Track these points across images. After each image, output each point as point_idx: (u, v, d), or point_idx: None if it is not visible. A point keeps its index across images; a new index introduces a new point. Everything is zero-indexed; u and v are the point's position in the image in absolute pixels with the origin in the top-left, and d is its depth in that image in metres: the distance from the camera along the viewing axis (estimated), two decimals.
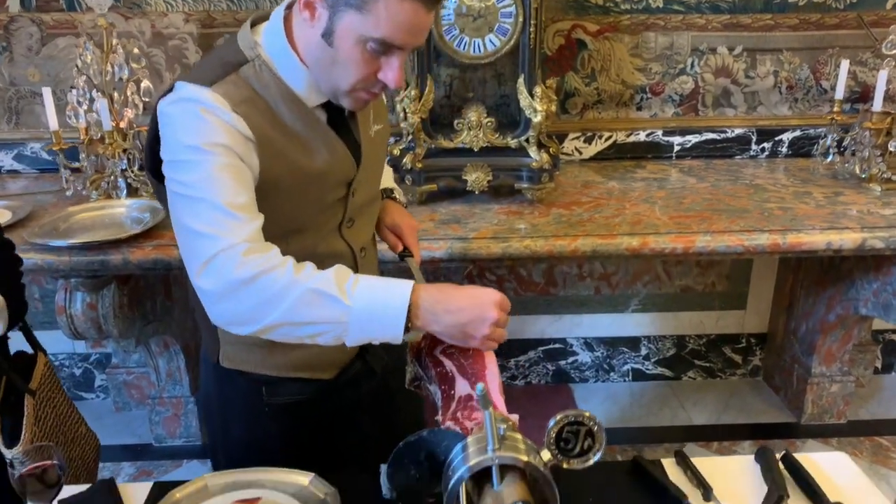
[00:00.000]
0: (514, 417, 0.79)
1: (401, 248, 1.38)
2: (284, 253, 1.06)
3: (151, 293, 2.28)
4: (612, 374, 3.06)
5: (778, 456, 1.32)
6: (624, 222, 2.09)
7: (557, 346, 2.98)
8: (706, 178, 2.49)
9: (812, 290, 2.69)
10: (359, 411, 1.40)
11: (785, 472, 1.28)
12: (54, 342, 2.73)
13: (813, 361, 2.72)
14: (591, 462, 0.72)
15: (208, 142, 1.02)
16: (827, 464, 1.32)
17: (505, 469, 0.70)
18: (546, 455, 0.71)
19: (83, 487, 1.32)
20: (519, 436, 0.73)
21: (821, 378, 2.74)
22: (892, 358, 3.11)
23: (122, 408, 2.92)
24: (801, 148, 2.71)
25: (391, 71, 1.07)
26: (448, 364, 1.09)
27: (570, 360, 3.02)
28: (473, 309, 1.00)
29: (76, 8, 2.44)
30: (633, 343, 3.01)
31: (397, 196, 1.47)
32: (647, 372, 3.06)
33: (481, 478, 0.74)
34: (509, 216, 2.14)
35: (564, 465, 0.72)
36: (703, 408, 2.96)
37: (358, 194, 1.25)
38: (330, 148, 1.17)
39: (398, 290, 0.99)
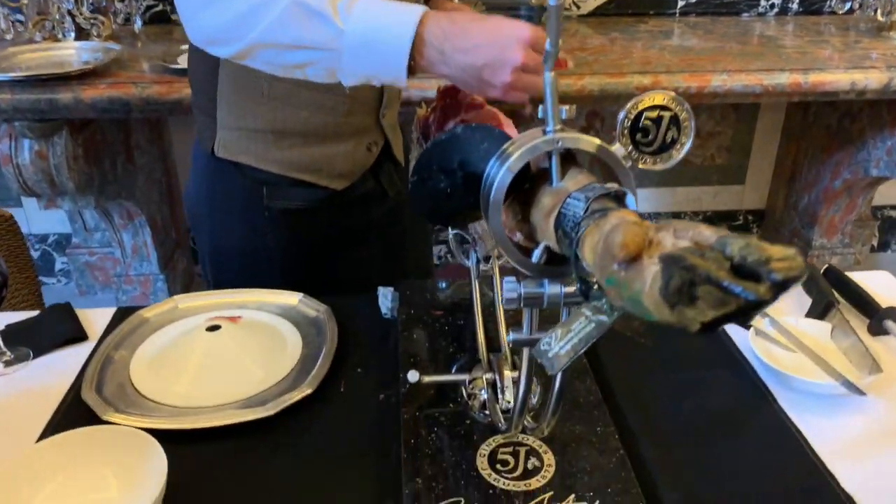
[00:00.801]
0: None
1: None
2: None
3: (110, 149, 2.06)
4: None
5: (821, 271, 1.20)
6: (633, 63, 1.90)
7: None
8: (714, 32, 2.31)
9: (817, 157, 2.56)
10: (365, 234, 1.25)
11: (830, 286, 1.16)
12: None
13: (814, 233, 2.62)
14: (673, 161, 0.56)
15: None
16: (869, 280, 1.20)
17: (564, 165, 0.54)
18: (618, 149, 0.54)
19: (35, 313, 1.14)
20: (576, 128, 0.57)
21: (821, 251, 2.64)
22: (889, 235, 3.03)
23: (86, 291, 2.72)
24: (813, 4, 2.52)
25: None
26: None
27: None
28: (492, 48, 0.78)
29: None
30: None
31: None
32: None
33: (530, 190, 0.58)
34: None
35: (640, 165, 0.56)
36: None
37: None
38: None
39: (403, 18, 0.78)
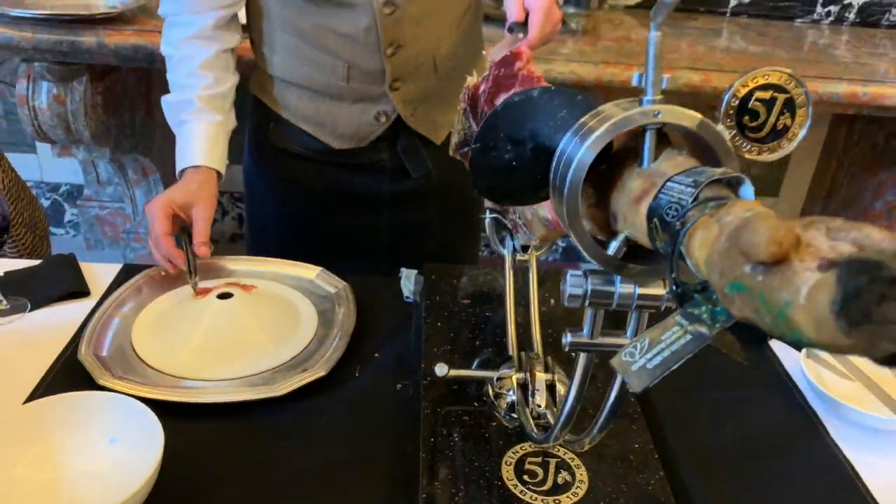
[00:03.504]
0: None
1: (521, 19, 1.01)
2: None
3: (130, 100, 1.98)
4: None
5: None
6: (682, 58, 1.81)
7: None
8: (766, 35, 2.20)
9: (858, 176, 2.46)
10: (373, 205, 1.22)
11: None
12: (19, 166, 2.44)
13: None
14: (783, 151, 0.48)
15: None
16: None
17: (659, 144, 0.46)
18: (722, 132, 0.46)
19: (36, 263, 1.07)
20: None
21: None
22: None
23: (94, 245, 2.65)
24: (871, 16, 2.41)
25: None
26: None
27: None
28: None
29: None
30: None
31: None
32: None
33: (607, 172, 0.50)
34: (552, 42, 1.85)
35: (747, 155, 0.47)
36: None
37: None
38: None
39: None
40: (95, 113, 1.80)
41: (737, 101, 0.47)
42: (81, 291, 1.00)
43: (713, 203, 0.36)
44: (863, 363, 0.93)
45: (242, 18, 1.13)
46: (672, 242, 0.38)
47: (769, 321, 0.29)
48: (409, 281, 1.07)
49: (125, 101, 1.95)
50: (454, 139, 0.92)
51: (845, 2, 2.39)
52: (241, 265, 1.08)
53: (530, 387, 0.77)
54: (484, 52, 1.20)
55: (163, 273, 1.02)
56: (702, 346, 0.38)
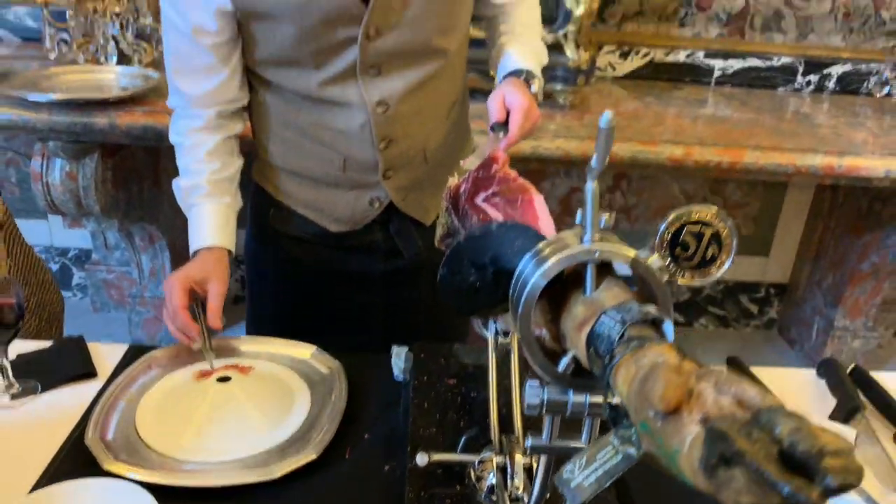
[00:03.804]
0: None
1: (501, 119, 1.08)
2: (284, 87, 1.11)
3: (139, 174, 2.08)
4: None
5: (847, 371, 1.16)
6: (665, 132, 1.90)
7: None
8: (748, 104, 2.30)
9: (845, 237, 2.53)
10: (366, 284, 1.28)
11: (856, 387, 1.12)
12: (30, 232, 2.52)
13: (837, 314, 2.57)
14: (712, 278, 0.55)
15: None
16: None
17: (600, 274, 0.52)
18: (656, 261, 0.53)
19: (48, 344, 1.14)
20: (615, 236, 0.55)
21: (843, 332, 2.59)
22: None
23: (100, 308, 2.73)
24: (850, 85, 2.52)
25: None
26: (493, 212, 0.90)
27: None
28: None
29: None
30: None
31: (535, 87, 1.14)
32: None
33: (558, 295, 0.56)
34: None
35: (679, 280, 0.54)
36: (713, 357, 2.80)
37: (384, 38, 1.06)
38: None
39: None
40: (105, 187, 1.89)
41: (670, 234, 0.53)
42: (89, 373, 1.06)
43: (635, 343, 0.42)
44: None
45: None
46: (603, 373, 0.44)
47: (665, 462, 0.35)
48: (399, 359, 1.12)
49: (134, 174, 2.04)
50: (439, 231, 0.99)
51: (825, 71, 2.50)
52: (242, 344, 1.14)
53: (509, 470, 0.82)
54: (472, 153, 1.27)
55: (166, 354, 1.08)
56: (631, 465, 0.44)
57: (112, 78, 1.94)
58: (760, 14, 2.43)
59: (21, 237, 1.33)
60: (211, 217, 1.14)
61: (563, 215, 2.68)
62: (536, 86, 1.15)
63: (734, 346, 2.87)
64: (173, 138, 1.18)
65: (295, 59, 1.07)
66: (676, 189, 2.66)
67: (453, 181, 0.96)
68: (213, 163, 1.15)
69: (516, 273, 0.56)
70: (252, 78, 1.17)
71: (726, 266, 0.54)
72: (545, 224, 0.87)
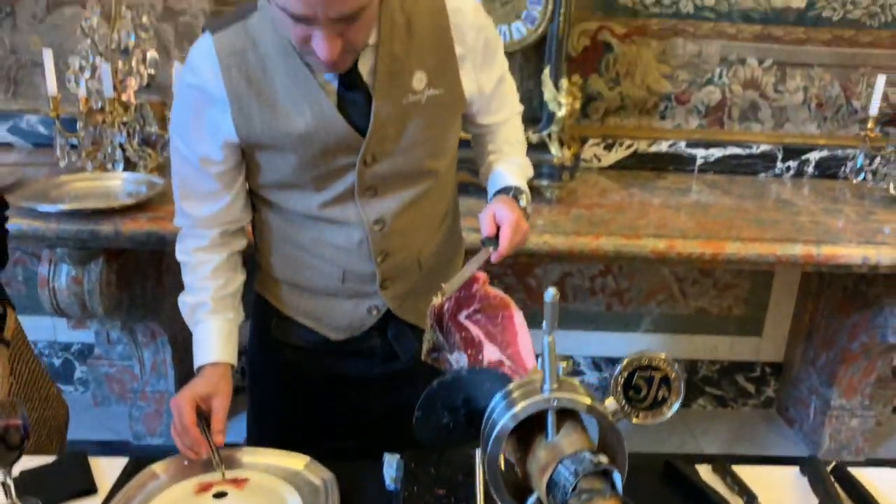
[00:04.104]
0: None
1: (492, 234, 1.14)
2: (285, 208, 1.18)
3: (142, 275, 2.15)
4: None
5: (828, 468, 1.19)
6: (649, 224, 1.97)
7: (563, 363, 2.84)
8: (731, 192, 2.39)
9: (834, 317, 2.57)
10: (364, 387, 1.32)
11: (837, 486, 1.14)
12: (34, 328, 2.58)
13: (832, 393, 2.58)
14: (665, 416, 0.59)
15: (177, 124, 1.16)
16: (882, 481, 1.19)
17: (562, 417, 0.57)
18: (611, 404, 0.58)
19: (50, 459, 1.17)
20: (576, 381, 0.60)
21: (840, 411, 2.60)
22: None
23: (101, 402, 2.75)
24: (828, 169, 2.61)
25: (317, 44, 0.97)
26: (475, 329, 0.96)
27: (577, 379, 2.86)
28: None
29: None
30: None
31: (523, 202, 1.22)
32: None
33: (528, 431, 0.61)
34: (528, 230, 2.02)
35: (634, 420, 0.59)
36: (714, 438, 2.81)
37: (380, 164, 1.15)
38: (316, 111, 1.09)
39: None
40: (109, 290, 1.95)
41: (623, 379, 0.59)
42: (90, 489, 1.09)
43: (585, 496, 0.47)
44: None
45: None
46: None
47: None
48: (391, 468, 1.15)
49: (138, 275, 2.11)
50: (425, 346, 1.04)
51: (803, 157, 2.60)
52: (239, 455, 1.17)
53: None
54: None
55: (164, 468, 1.11)
56: None
57: (118, 184, 2.03)
58: (737, 105, 2.55)
59: (30, 352, 1.37)
60: (215, 333, 1.21)
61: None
62: (524, 201, 1.23)
63: (733, 427, 2.87)
64: (180, 256, 1.25)
65: (296, 183, 1.16)
66: (667, 272, 2.72)
67: (437, 300, 1.02)
68: (218, 280, 1.22)
69: (487, 412, 0.61)
70: (255, 199, 1.25)
71: (676, 407, 0.59)
72: (523, 341, 0.93)
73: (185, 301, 1.24)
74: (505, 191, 1.24)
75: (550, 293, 0.50)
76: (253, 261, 1.34)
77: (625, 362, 0.59)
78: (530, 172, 1.34)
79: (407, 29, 1.11)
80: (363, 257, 1.21)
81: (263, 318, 1.34)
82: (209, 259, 1.22)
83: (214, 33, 1.09)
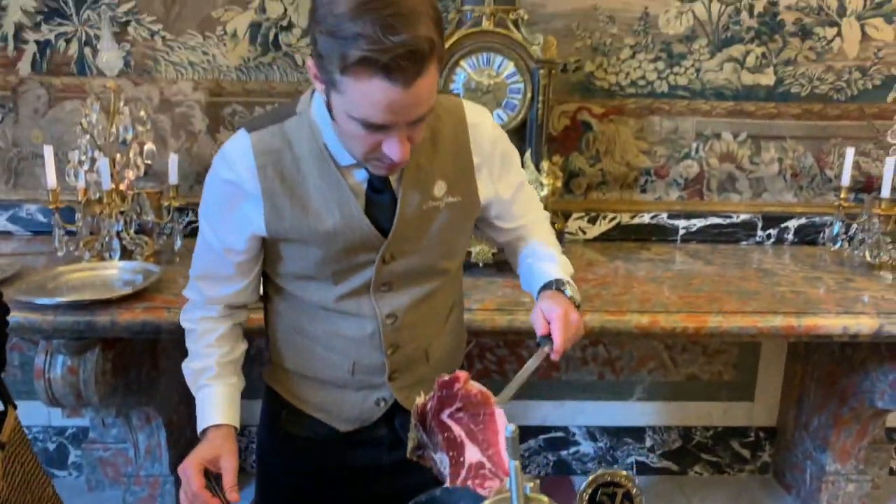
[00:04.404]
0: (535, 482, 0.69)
1: (545, 332, 1.19)
2: (301, 298, 1.24)
3: (137, 361, 2.18)
4: (615, 466, 2.90)
5: None
6: (633, 300, 2.02)
7: (559, 434, 2.85)
8: (713, 262, 2.45)
9: (824, 381, 2.60)
10: (373, 475, 1.35)
11: None
12: (29, 413, 2.59)
13: (827, 458, 2.59)
14: None
15: (207, 213, 1.22)
16: None
17: None
18: None
19: None
20: (545, 498, 0.64)
21: (836, 476, 2.60)
22: None
23: (94, 487, 2.73)
24: (807, 235, 2.68)
25: (390, 147, 1.04)
26: (457, 429, 1.00)
27: (572, 450, 2.87)
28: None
29: (86, 73, 2.46)
30: (637, 433, 2.87)
31: (569, 291, 1.26)
32: (652, 465, 2.91)
33: None
34: (514, 290, 2.08)
35: None
36: None
37: (398, 262, 1.21)
38: (345, 212, 1.16)
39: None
40: (105, 378, 1.98)
41: (588, 495, 0.62)
42: None
43: None
44: None
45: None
46: None
47: None
48: None
49: (133, 362, 2.14)
50: (410, 444, 1.08)
51: (782, 225, 2.67)
52: None
53: None
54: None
55: None
56: None
57: (115, 274, 2.07)
58: (715, 177, 2.64)
59: (27, 451, 1.39)
60: (219, 397, 1.25)
61: (550, 369, 2.77)
62: (570, 290, 1.27)
63: (731, 493, 2.85)
64: (185, 324, 1.31)
65: (316, 276, 1.21)
66: (656, 341, 2.75)
67: (420, 400, 1.06)
68: (223, 347, 1.28)
69: None
70: (270, 288, 1.30)
71: None
72: (503, 437, 0.96)
73: (189, 367, 1.29)
74: (548, 286, 1.27)
75: (510, 429, 0.55)
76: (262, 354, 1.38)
77: (589, 479, 0.63)
78: (571, 269, 1.35)
79: (432, 142, 1.18)
80: (374, 349, 1.25)
81: (274, 411, 1.38)
82: (214, 328, 1.29)
83: (251, 132, 1.15)
